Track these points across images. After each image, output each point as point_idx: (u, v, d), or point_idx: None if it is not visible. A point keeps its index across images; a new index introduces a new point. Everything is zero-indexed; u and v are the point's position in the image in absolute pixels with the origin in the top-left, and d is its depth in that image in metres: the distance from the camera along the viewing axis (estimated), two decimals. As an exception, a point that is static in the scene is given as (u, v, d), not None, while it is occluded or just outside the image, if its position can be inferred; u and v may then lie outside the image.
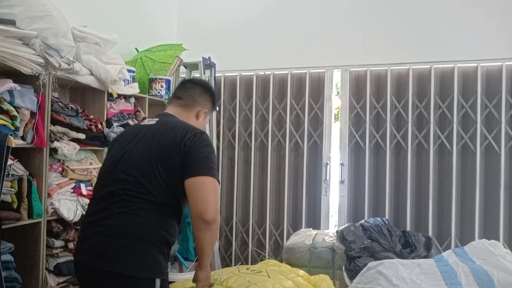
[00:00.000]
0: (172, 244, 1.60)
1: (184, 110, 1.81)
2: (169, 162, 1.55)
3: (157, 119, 1.75)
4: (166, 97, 3.53)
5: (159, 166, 1.55)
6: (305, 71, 3.88)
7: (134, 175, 1.55)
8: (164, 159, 1.55)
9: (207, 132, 3.56)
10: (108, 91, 2.86)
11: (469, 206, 3.45)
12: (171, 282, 2.30)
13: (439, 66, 3.54)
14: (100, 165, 2.81)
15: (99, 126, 2.78)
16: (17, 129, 2.18)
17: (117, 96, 2.94)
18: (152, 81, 3.50)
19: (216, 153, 3.79)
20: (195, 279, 1.72)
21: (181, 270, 3.41)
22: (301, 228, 3.78)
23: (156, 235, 1.52)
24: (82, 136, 2.64)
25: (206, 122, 1.95)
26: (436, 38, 3.52)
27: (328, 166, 3.81)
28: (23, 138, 2.26)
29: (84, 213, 2.51)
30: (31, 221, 2.30)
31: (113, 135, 2.86)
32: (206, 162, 1.54)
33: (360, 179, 3.71)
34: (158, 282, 1.50)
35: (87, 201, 2.67)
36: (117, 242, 1.47)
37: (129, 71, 3.13)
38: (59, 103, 2.54)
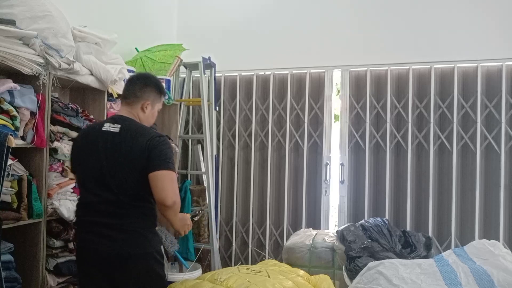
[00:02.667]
0: None
1: (131, 108, 2.07)
2: (141, 165, 1.90)
3: (119, 125, 1.98)
4: (166, 97, 3.52)
5: (136, 170, 1.91)
6: (305, 71, 3.88)
7: (124, 183, 1.91)
8: (138, 164, 1.91)
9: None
10: (108, 91, 2.86)
11: (469, 206, 3.45)
12: (171, 282, 2.30)
13: (439, 66, 3.54)
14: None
15: (99, 126, 2.78)
16: (17, 129, 2.18)
17: (117, 96, 2.94)
18: (152, 81, 3.49)
19: (216, 153, 3.81)
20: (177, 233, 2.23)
21: (181, 270, 3.41)
22: (301, 228, 3.78)
23: (155, 220, 2.04)
24: (82, 136, 2.63)
25: (157, 110, 2.17)
26: (436, 38, 3.52)
27: (328, 166, 3.81)
28: (23, 138, 2.26)
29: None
30: (31, 221, 2.30)
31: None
32: (164, 158, 1.90)
33: (360, 179, 3.71)
34: (162, 247, 2.09)
35: (87, 201, 2.67)
36: (140, 233, 1.95)
37: (129, 71, 3.13)
38: (59, 103, 2.54)
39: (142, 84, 2.08)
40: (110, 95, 2.89)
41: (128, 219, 1.93)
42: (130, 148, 1.91)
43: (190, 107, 4.09)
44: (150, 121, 2.12)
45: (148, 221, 1.99)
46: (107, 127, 1.98)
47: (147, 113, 2.08)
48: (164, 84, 3.48)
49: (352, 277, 2.72)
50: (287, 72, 3.91)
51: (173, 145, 3.58)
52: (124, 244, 1.92)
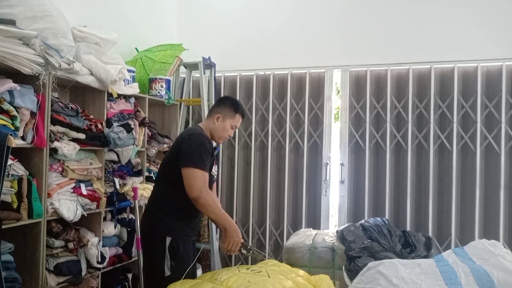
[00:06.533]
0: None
1: (207, 119, 2.46)
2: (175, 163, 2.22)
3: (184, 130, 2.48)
4: (166, 97, 3.53)
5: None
6: (305, 71, 3.87)
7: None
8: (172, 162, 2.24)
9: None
10: (108, 91, 2.86)
11: (469, 206, 3.45)
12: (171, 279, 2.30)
13: (439, 66, 3.54)
14: (100, 165, 2.82)
15: (99, 126, 2.78)
16: (17, 129, 2.18)
17: (117, 96, 2.94)
18: (152, 81, 3.50)
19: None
20: (224, 240, 2.24)
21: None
22: (301, 228, 3.78)
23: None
24: (82, 136, 2.64)
25: (230, 125, 2.39)
26: (436, 38, 3.52)
27: (328, 166, 3.81)
28: (23, 138, 2.26)
29: (84, 213, 2.63)
30: (31, 221, 2.30)
31: (113, 135, 2.86)
32: (185, 155, 2.15)
33: (360, 179, 3.71)
34: (169, 241, 2.22)
35: (87, 201, 2.68)
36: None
37: (129, 71, 3.13)
38: (59, 103, 2.54)
39: (220, 101, 2.46)
40: (110, 95, 2.89)
41: None
42: (178, 144, 2.27)
43: (190, 107, 4.09)
44: (220, 134, 2.38)
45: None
46: None
47: (217, 125, 2.36)
48: (164, 84, 3.49)
49: (352, 277, 2.72)
50: (287, 72, 3.91)
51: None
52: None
